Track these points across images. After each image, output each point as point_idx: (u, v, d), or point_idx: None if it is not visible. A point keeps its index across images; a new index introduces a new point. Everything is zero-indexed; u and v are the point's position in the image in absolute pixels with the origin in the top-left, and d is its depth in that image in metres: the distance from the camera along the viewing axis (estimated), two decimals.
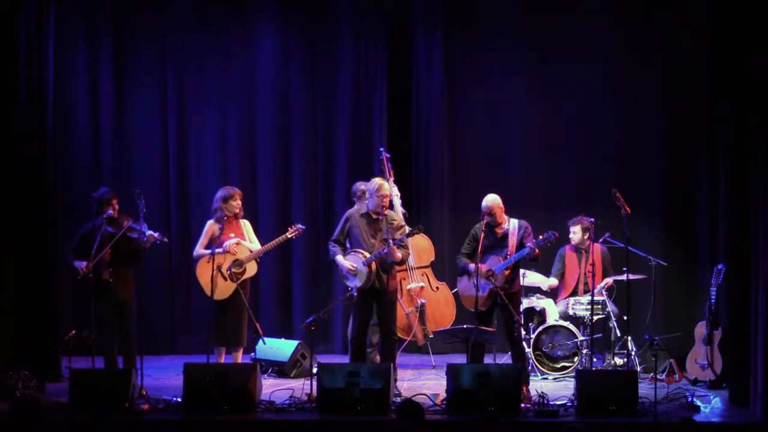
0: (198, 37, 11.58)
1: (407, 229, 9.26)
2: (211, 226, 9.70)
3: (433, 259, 10.83)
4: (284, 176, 11.73)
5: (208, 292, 9.45)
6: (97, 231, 9.37)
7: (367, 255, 9.09)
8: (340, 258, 9.25)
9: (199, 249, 9.70)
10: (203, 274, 9.58)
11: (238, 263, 9.59)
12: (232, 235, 9.64)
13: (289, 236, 9.79)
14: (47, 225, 10.06)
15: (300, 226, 9.82)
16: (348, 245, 9.30)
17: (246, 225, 9.81)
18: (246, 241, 9.70)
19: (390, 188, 9.61)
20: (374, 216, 9.17)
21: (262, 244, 9.76)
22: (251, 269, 9.69)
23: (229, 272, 9.53)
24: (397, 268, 9.58)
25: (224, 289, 9.53)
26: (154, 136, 11.67)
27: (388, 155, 10.78)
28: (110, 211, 9.39)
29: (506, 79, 11.53)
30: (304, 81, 11.68)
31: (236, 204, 9.67)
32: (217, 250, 9.50)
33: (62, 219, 10.42)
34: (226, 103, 11.71)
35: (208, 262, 9.39)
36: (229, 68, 11.66)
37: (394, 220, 9.26)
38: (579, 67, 11.32)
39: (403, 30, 11.61)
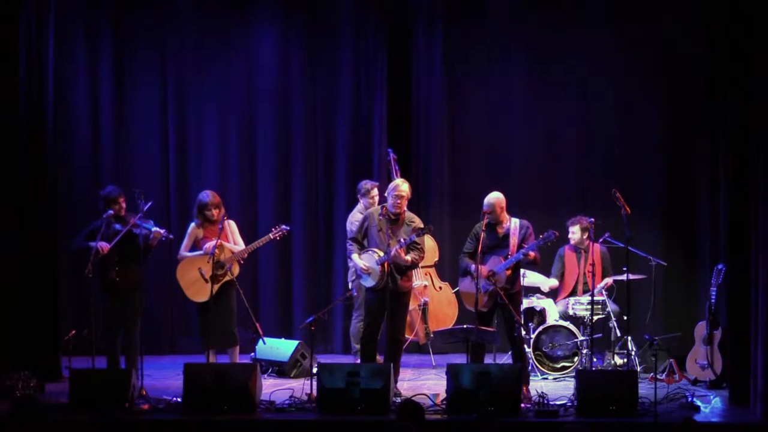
0: (198, 37, 11.58)
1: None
2: (193, 229, 9.68)
3: (437, 259, 10.84)
4: (284, 176, 11.72)
5: (188, 294, 9.61)
6: (103, 229, 9.33)
7: (381, 254, 9.07)
8: (355, 257, 9.22)
9: (182, 251, 9.69)
10: (183, 275, 9.62)
11: (219, 265, 9.54)
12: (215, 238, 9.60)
13: (273, 237, 9.69)
14: (47, 225, 10.06)
15: (284, 227, 9.71)
16: (366, 244, 9.27)
17: (231, 225, 9.75)
18: (230, 242, 9.66)
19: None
20: (392, 216, 9.13)
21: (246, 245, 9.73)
22: (233, 270, 9.62)
23: (211, 274, 9.45)
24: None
25: (206, 291, 9.48)
26: (154, 136, 11.67)
27: (396, 156, 10.76)
28: (111, 210, 9.36)
29: (506, 78, 11.53)
30: (304, 81, 11.68)
31: (210, 214, 9.58)
32: (197, 253, 9.50)
33: (62, 219, 10.42)
34: (226, 103, 11.70)
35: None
36: (229, 68, 11.65)
37: (413, 221, 9.18)
38: (579, 67, 11.33)
39: (403, 30, 11.61)
